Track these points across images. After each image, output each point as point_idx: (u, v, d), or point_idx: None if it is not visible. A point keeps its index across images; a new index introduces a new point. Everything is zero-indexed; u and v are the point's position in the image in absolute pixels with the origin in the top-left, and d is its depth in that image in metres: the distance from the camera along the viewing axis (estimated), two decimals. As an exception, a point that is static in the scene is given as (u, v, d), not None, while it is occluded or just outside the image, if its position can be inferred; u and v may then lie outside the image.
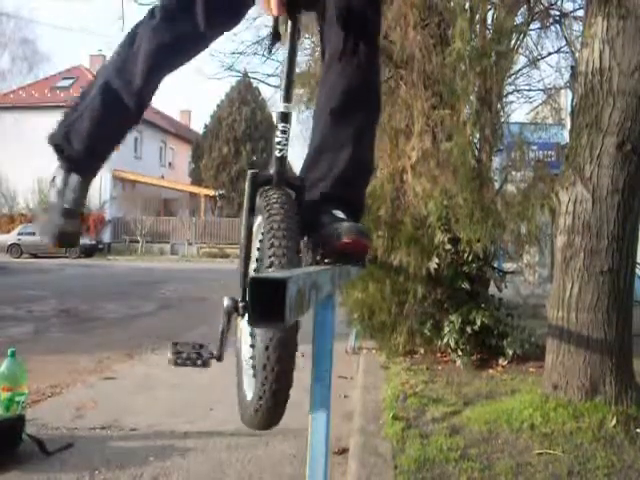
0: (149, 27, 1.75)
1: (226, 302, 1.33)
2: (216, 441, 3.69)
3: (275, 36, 1.51)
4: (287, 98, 1.47)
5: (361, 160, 1.71)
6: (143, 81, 1.75)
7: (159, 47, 1.72)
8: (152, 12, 1.77)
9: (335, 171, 1.66)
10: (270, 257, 1.19)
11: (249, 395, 1.35)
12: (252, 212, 1.39)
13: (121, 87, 1.76)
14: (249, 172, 1.41)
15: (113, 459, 3.40)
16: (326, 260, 1.57)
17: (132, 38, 1.79)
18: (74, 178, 1.83)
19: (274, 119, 1.48)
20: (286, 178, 1.44)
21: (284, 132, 1.46)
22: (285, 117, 1.46)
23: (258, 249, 1.40)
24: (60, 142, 1.82)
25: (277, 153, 1.45)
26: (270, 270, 1.17)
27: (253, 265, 1.42)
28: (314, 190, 1.64)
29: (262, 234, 1.32)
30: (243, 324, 1.45)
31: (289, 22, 1.48)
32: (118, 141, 1.88)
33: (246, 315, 1.33)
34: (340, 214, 1.59)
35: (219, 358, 1.40)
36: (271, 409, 1.26)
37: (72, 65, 36.23)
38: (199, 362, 1.41)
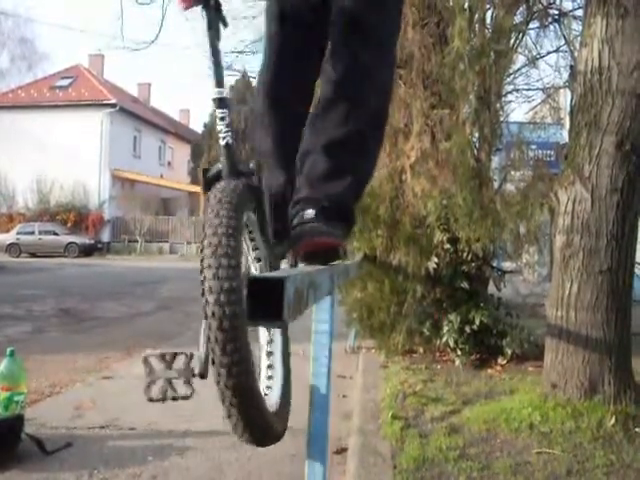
0: None
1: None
2: (215, 440, 3.69)
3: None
4: (219, 83, 1.40)
5: (336, 158, 1.63)
6: None
7: None
8: None
9: (306, 170, 1.63)
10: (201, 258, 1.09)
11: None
12: None
13: None
14: (201, 170, 1.37)
15: (112, 458, 3.40)
16: (300, 262, 1.56)
17: None
18: None
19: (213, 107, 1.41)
20: (236, 167, 1.36)
21: (223, 119, 1.38)
22: (221, 102, 1.39)
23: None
24: None
25: (221, 142, 1.37)
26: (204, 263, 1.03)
27: None
28: (297, 190, 1.63)
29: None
30: None
31: (204, 12, 1.43)
32: None
33: None
34: (309, 214, 1.53)
35: (203, 375, 1.19)
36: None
37: (71, 64, 36.19)
38: (176, 396, 1.20)
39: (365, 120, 1.67)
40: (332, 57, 1.66)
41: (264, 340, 1.47)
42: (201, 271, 0.99)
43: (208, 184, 1.32)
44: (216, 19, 1.44)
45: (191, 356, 1.18)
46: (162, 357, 1.20)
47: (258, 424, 1.17)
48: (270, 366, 1.43)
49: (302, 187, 1.62)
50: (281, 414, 1.35)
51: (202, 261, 1.00)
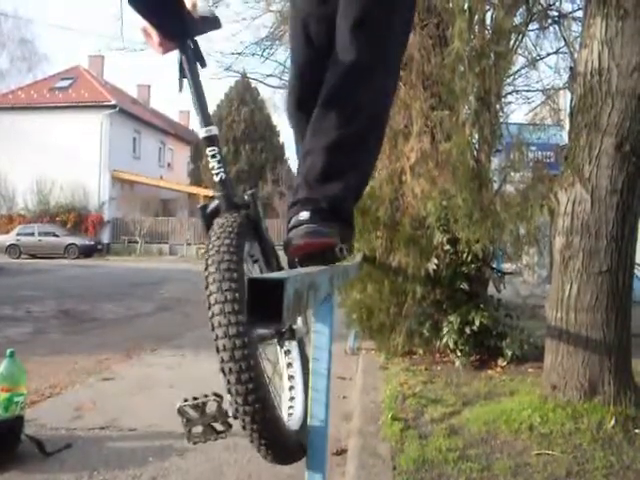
0: None
1: None
2: (215, 441, 3.68)
3: (181, 72, 1.49)
4: (206, 122, 1.44)
5: (334, 160, 1.62)
6: None
7: None
8: None
9: (304, 171, 1.63)
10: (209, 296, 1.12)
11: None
12: None
13: None
14: (198, 207, 1.39)
15: (112, 459, 3.40)
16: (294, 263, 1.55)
17: None
18: None
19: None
20: (232, 201, 1.40)
21: (214, 156, 1.42)
22: (210, 140, 1.43)
23: None
24: None
25: (215, 178, 1.41)
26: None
27: None
28: (295, 192, 1.63)
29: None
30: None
31: (181, 55, 1.47)
32: None
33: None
34: (304, 216, 1.53)
35: (236, 416, 1.18)
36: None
37: (71, 65, 36.21)
38: (217, 437, 1.27)
39: (365, 122, 1.65)
40: (334, 57, 1.65)
41: (284, 362, 1.48)
42: (208, 307, 1.09)
43: (207, 220, 1.36)
44: (194, 60, 1.46)
45: (221, 399, 1.22)
46: (195, 406, 1.24)
47: (280, 445, 1.23)
48: (292, 387, 1.45)
49: (300, 188, 1.61)
50: (304, 431, 1.36)
51: (209, 296, 1.09)
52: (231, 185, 1.43)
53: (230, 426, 1.22)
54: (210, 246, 1.17)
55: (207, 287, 1.09)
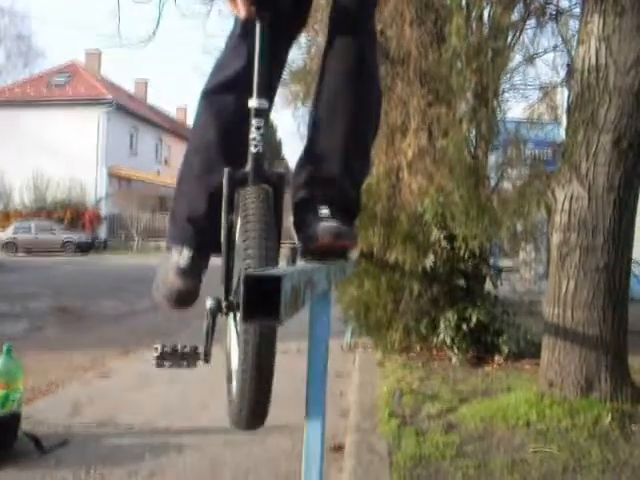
0: None
1: (209, 303, 1.34)
2: (212, 438, 3.69)
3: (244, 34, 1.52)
4: (260, 94, 1.46)
5: (352, 154, 1.68)
6: None
7: None
8: None
9: (322, 167, 1.65)
10: (245, 259, 1.17)
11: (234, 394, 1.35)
12: (230, 212, 1.38)
13: None
14: (225, 170, 1.39)
15: (109, 456, 3.40)
16: (307, 258, 1.58)
17: None
18: None
19: (251, 115, 1.46)
20: (263, 174, 1.42)
21: (259, 128, 1.44)
22: (259, 113, 1.45)
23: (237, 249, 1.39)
24: None
25: (252, 149, 1.43)
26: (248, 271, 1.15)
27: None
28: (305, 188, 1.65)
29: (238, 235, 1.30)
30: (230, 323, 1.44)
31: (257, 21, 1.48)
32: None
33: (231, 313, 1.34)
34: (324, 211, 1.58)
35: (206, 359, 1.38)
36: (253, 408, 1.25)
37: (68, 61, 36.07)
38: (184, 363, 1.39)
39: (368, 115, 1.72)
40: (336, 52, 1.67)
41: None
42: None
43: (232, 186, 1.39)
44: (269, 27, 1.47)
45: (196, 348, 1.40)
46: (173, 346, 1.41)
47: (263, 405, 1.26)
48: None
49: (312, 183, 1.64)
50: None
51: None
52: (264, 161, 1.45)
53: (197, 358, 1.39)
54: (245, 208, 1.27)
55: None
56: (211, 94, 1.66)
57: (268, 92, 1.50)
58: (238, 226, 1.32)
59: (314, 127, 1.71)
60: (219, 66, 1.69)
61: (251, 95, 1.47)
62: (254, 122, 1.44)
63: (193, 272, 1.56)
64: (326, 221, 1.55)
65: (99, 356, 6.02)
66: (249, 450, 3.49)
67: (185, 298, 1.58)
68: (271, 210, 1.31)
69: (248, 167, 1.42)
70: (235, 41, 1.66)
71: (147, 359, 6.09)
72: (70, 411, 4.21)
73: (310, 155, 1.69)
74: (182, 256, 1.58)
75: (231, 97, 1.60)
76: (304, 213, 1.61)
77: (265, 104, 1.47)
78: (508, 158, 5.35)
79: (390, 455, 3.15)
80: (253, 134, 1.44)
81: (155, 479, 3.14)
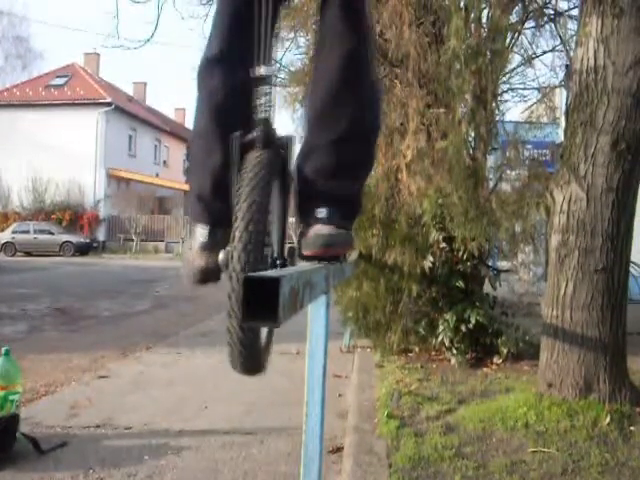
0: None
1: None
2: (210, 439, 3.69)
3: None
4: (266, 60, 1.45)
5: (349, 149, 1.65)
6: None
7: None
8: None
9: (321, 166, 1.64)
10: (236, 213, 1.19)
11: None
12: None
13: None
14: (233, 135, 1.40)
15: (107, 458, 3.40)
16: (300, 258, 1.60)
17: None
18: None
19: (255, 86, 1.46)
20: (271, 139, 1.42)
21: (267, 94, 1.45)
22: (268, 79, 1.45)
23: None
24: None
25: (260, 115, 1.44)
26: (236, 225, 1.18)
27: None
28: (303, 186, 1.64)
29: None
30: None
31: None
32: None
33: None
34: (322, 213, 1.57)
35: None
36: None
37: (66, 63, 36.08)
38: None
39: (370, 112, 1.70)
40: (333, 46, 1.66)
41: None
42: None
43: (239, 150, 1.40)
44: None
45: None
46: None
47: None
48: None
49: (310, 183, 1.63)
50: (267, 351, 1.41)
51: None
52: (271, 126, 1.45)
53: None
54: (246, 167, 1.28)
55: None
56: (203, 73, 1.67)
57: (271, 59, 1.49)
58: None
59: (308, 123, 1.71)
60: (207, 45, 1.70)
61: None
62: (261, 89, 1.45)
63: (212, 248, 1.55)
64: (322, 225, 1.55)
65: (98, 357, 6.01)
66: (248, 452, 3.49)
67: (206, 274, 1.57)
68: (274, 171, 1.32)
69: (256, 132, 1.42)
70: (215, 18, 1.68)
71: (146, 360, 6.10)
72: (69, 412, 4.20)
73: (306, 152, 1.68)
74: (201, 233, 1.59)
75: (218, 74, 1.61)
76: (301, 214, 1.61)
77: (270, 71, 1.47)
78: (507, 159, 5.36)
79: (389, 456, 3.15)
80: (261, 100, 1.45)
81: (154, 481, 3.14)
